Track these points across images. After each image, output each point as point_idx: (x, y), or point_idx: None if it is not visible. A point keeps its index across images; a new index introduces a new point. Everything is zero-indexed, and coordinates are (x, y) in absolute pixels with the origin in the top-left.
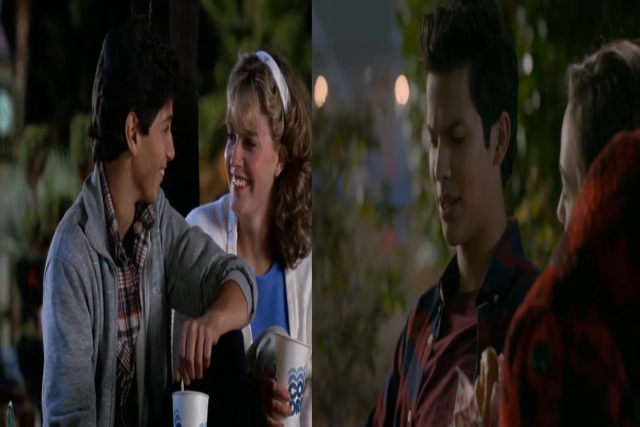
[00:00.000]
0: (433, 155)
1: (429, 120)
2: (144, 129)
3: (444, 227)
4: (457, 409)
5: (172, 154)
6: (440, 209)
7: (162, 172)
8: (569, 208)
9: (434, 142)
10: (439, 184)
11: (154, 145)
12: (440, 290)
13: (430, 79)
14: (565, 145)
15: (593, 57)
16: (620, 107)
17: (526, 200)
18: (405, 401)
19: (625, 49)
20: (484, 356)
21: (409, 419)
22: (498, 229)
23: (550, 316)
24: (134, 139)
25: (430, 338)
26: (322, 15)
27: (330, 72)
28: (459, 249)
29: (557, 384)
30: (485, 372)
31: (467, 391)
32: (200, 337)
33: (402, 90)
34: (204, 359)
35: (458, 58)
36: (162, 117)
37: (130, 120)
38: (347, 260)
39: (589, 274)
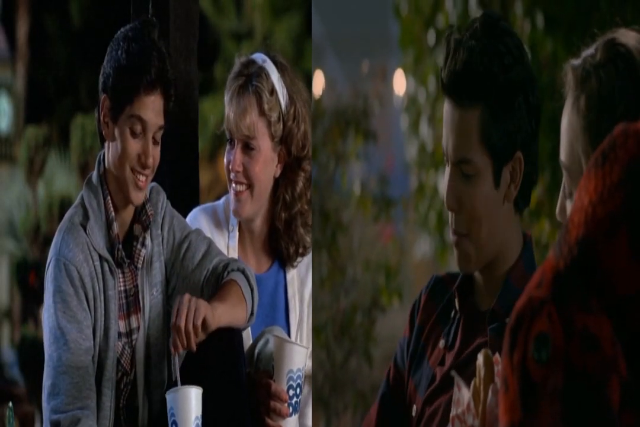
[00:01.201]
0: (445, 176)
1: (443, 142)
2: (113, 117)
3: (455, 253)
4: (453, 412)
5: (146, 160)
6: (451, 234)
7: (141, 178)
8: (570, 206)
9: (447, 162)
10: (450, 215)
11: (119, 139)
12: (456, 299)
13: (446, 103)
14: (567, 139)
15: (592, 48)
16: (626, 92)
17: None
18: (409, 389)
19: (625, 35)
20: (480, 358)
21: (413, 412)
22: (513, 254)
23: (551, 306)
24: (107, 123)
25: (442, 342)
26: (320, 7)
27: (328, 65)
28: (457, 260)
29: (558, 375)
30: (482, 375)
31: (464, 394)
32: (191, 307)
33: (400, 83)
34: (195, 326)
35: (470, 97)
36: (131, 112)
37: (105, 103)
38: (344, 252)
39: (589, 265)
